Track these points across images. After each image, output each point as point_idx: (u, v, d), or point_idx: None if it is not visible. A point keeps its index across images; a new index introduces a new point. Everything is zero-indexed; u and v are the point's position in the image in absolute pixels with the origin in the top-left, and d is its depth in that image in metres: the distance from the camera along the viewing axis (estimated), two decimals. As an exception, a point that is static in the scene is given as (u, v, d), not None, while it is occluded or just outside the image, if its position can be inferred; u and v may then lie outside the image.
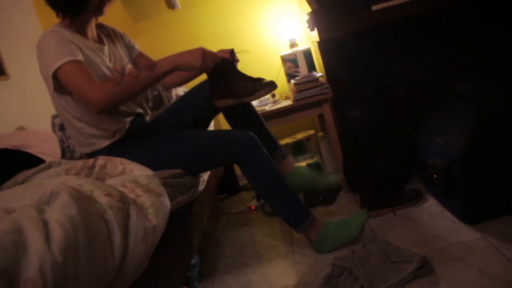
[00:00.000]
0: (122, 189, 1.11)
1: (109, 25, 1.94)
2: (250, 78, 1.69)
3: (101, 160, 1.28)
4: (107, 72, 1.69)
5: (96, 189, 0.96)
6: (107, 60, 1.75)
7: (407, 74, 2.33)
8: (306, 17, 2.32)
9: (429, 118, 2.11)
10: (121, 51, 1.87)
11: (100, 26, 1.88)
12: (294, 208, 1.76)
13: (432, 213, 1.92)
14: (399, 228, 1.87)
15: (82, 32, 1.71)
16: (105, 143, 1.71)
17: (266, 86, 1.65)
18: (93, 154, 1.73)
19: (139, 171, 1.21)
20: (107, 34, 1.88)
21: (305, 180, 1.97)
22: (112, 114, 1.71)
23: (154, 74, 1.54)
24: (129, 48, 1.95)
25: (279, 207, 1.77)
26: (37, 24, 3.08)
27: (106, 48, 1.78)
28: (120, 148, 1.71)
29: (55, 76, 1.54)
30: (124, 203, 0.96)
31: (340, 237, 1.78)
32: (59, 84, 1.57)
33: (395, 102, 2.33)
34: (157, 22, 3.01)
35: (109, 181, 1.20)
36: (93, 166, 1.26)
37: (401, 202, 2.04)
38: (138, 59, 1.95)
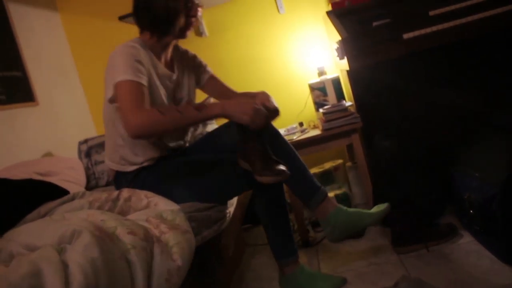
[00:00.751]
0: (146, 224, 1.06)
1: (183, 47, 1.92)
2: (270, 157, 1.57)
3: (125, 192, 1.24)
4: (166, 103, 1.69)
5: (119, 226, 0.92)
6: (170, 89, 1.74)
7: (440, 104, 2.26)
8: (335, 45, 2.28)
9: (464, 150, 2.03)
10: (187, 81, 1.85)
11: (174, 48, 1.84)
12: (287, 243, 1.77)
13: (469, 251, 1.82)
14: (433, 266, 1.77)
15: (158, 53, 1.70)
16: (132, 167, 1.69)
17: (276, 175, 1.52)
18: (118, 175, 1.72)
19: (164, 206, 1.17)
20: (180, 58, 1.86)
21: (349, 218, 1.83)
22: (148, 141, 1.69)
23: (201, 115, 1.50)
24: (200, 70, 1.93)
25: (274, 237, 1.77)
26: (67, 51, 3.13)
27: (174, 76, 1.76)
28: (146, 174, 1.68)
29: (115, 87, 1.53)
30: (148, 241, 0.91)
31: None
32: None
33: (428, 132, 2.26)
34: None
35: (133, 215, 1.16)
36: (117, 198, 1.22)
37: (435, 238, 1.94)
38: (209, 82, 1.93)
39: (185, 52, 1.91)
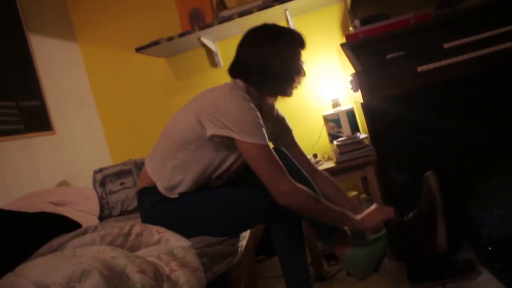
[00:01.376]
0: (157, 261, 1.05)
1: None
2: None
3: (137, 227, 1.24)
4: None
5: (129, 264, 0.91)
6: None
7: (456, 137, 2.24)
8: (350, 78, 2.28)
9: (481, 185, 1.99)
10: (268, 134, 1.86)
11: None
12: (303, 276, 1.73)
13: (488, 290, 1.77)
14: (451, 305, 1.72)
15: (255, 103, 1.66)
16: (166, 194, 1.66)
17: None
18: (146, 190, 1.69)
19: (175, 242, 1.16)
20: (267, 111, 1.86)
21: (368, 252, 1.81)
22: (200, 180, 1.68)
23: (340, 220, 1.60)
24: (285, 132, 1.95)
25: (289, 269, 1.72)
26: (85, 81, 3.19)
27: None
28: (167, 202, 1.66)
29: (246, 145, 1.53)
30: (158, 280, 0.90)
31: None
32: (216, 140, 1.58)
33: (443, 166, 2.23)
34: (200, 79, 3.05)
35: (144, 251, 1.16)
36: (128, 233, 1.21)
37: (452, 275, 1.89)
38: (290, 147, 1.94)
39: (273, 107, 1.91)
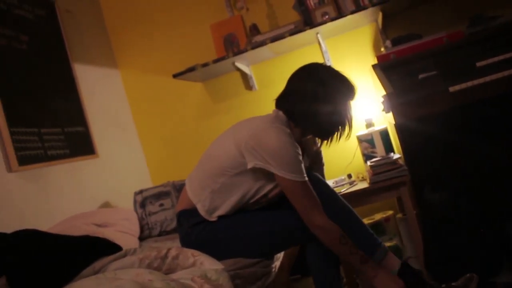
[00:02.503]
0: (191, 283, 1.11)
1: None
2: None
3: (173, 251, 1.30)
4: None
5: (165, 287, 0.97)
6: None
7: (491, 156, 2.21)
8: (382, 99, 2.30)
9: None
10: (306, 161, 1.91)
11: None
12: None
13: (528, 313, 1.73)
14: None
15: (296, 138, 1.73)
16: (206, 216, 1.71)
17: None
18: (186, 212, 1.75)
19: (209, 265, 1.21)
20: (306, 142, 1.89)
21: None
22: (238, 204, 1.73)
23: (360, 266, 1.62)
24: (317, 157, 1.97)
25: None
26: (126, 106, 3.34)
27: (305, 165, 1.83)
28: (204, 225, 1.71)
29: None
30: (192, 303, 0.96)
31: None
32: (255, 169, 1.63)
33: (479, 185, 2.20)
34: (235, 102, 3.13)
35: (180, 273, 1.22)
36: (165, 256, 1.28)
37: (492, 298, 1.86)
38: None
39: (313, 140, 1.94)
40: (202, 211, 1.71)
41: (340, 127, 1.76)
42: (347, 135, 1.80)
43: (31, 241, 1.33)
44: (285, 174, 1.57)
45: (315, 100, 1.70)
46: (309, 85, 1.73)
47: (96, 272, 1.26)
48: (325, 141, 1.81)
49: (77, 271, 1.27)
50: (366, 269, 1.62)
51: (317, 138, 1.91)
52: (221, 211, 1.71)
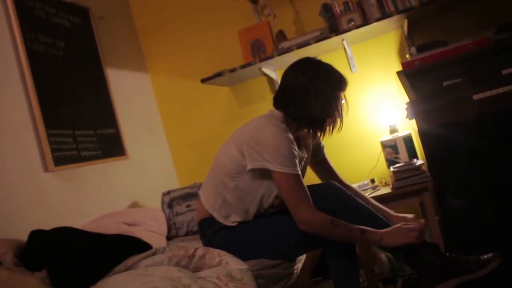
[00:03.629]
0: (217, 281, 1.18)
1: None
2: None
3: (200, 250, 1.38)
4: None
5: (193, 284, 1.05)
6: (301, 169, 1.81)
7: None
8: (405, 106, 2.33)
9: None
10: (308, 159, 1.96)
11: None
12: None
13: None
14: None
15: (293, 133, 1.78)
16: (225, 223, 1.76)
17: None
18: (206, 221, 1.79)
19: (234, 265, 1.28)
20: (303, 136, 1.95)
21: None
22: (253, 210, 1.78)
23: (360, 238, 1.63)
24: (318, 149, 2.03)
25: None
26: (155, 109, 3.45)
27: (305, 157, 1.88)
28: (226, 231, 1.76)
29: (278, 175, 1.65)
30: (217, 299, 1.03)
31: None
32: (256, 172, 1.69)
33: (501, 192, 2.20)
34: (260, 106, 3.20)
35: (206, 272, 1.29)
36: (193, 255, 1.36)
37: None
38: (321, 163, 2.05)
39: (310, 135, 1.99)
40: (219, 218, 1.77)
41: (332, 118, 1.78)
42: (339, 127, 1.82)
43: (68, 237, 1.43)
44: (279, 167, 1.61)
45: (306, 93, 1.75)
46: (300, 80, 1.77)
47: (128, 269, 1.34)
48: (319, 134, 1.84)
49: (111, 267, 1.36)
50: (369, 237, 1.63)
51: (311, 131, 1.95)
52: (237, 217, 1.76)
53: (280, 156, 1.62)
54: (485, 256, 1.68)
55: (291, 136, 1.69)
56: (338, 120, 1.81)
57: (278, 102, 1.83)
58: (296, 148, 1.69)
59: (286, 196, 1.64)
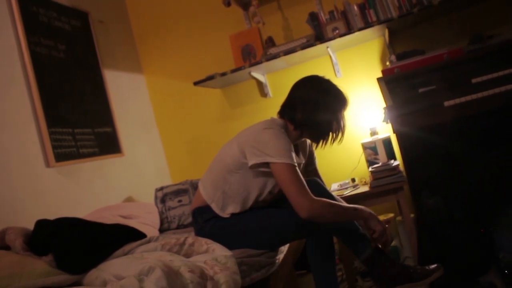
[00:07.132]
0: (203, 265, 1.35)
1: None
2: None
3: (190, 239, 1.55)
4: None
5: (183, 265, 1.21)
6: None
7: (485, 164, 2.38)
8: (383, 110, 2.50)
9: (507, 209, 2.13)
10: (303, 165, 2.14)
11: None
12: (333, 286, 1.95)
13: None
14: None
15: (292, 140, 1.94)
16: (218, 213, 1.93)
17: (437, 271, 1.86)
18: (200, 209, 1.96)
19: (220, 252, 1.45)
20: (301, 144, 2.14)
21: None
22: (249, 201, 1.95)
23: (354, 214, 1.84)
24: (312, 159, 2.23)
25: (321, 282, 1.95)
26: (150, 108, 3.60)
27: (302, 162, 2.07)
28: (216, 220, 1.93)
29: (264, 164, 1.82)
30: (203, 278, 1.20)
31: None
32: (256, 169, 1.86)
33: (472, 191, 2.37)
34: (251, 108, 3.37)
35: (195, 258, 1.46)
36: (183, 243, 1.52)
37: (473, 296, 2.04)
38: (312, 173, 2.23)
39: (306, 143, 2.19)
40: (216, 209, 1.94)
41: (335, 132, 1.98)
42: (340, 140, 2.01)
43: (71, 225, 1.59)
44: (278, 159, 1.77)
45: (316, 107, 1.93)
46: (312, 94, 1.96)
47: (125, 254, 1.51)
48: (320, 144, 2.02)
49: (110, 252, 1.52)
50: (361, 214, 1.84)
51: (308, 141, 2.15)
52: (233, 209, 1.94)
53: (279, 149, 1.79)
54: (430, 267, 1.89)
55: (288, 139, 1.86)
56: (340, 133, 2.00)
57: (286, 109, 2.00)
58: (294, 152, 1.86)
59: (286, 186, 1.76)
